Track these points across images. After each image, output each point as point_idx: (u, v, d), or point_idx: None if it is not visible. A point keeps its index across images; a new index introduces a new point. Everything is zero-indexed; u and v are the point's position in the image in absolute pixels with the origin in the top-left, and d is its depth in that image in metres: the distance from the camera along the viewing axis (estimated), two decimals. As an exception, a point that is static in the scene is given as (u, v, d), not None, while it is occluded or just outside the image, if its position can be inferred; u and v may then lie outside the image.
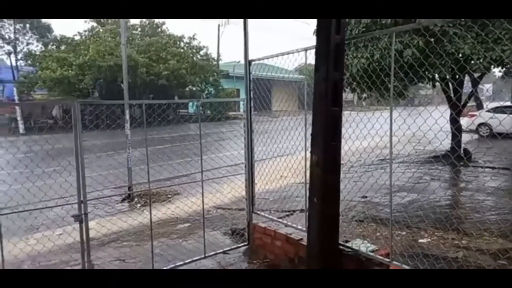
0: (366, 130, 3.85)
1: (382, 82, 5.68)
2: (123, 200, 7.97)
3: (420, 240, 5.01)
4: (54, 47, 29.70)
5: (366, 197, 7.05)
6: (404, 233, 5.26)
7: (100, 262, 4.48)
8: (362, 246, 3.58)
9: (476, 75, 9.84)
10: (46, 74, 24.92)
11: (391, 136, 3.23)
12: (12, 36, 31.16)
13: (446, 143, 10.32)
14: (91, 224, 4.72)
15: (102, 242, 5.44)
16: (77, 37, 29.31)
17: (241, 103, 5.32)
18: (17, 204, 3.63)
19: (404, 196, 7.19)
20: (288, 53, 4.29)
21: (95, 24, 29.93)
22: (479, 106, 20.60)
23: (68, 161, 3.95)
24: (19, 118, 23.78)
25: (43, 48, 30.57)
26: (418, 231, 5.30)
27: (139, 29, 31.34)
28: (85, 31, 29.72)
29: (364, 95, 10.53)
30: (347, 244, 3.65)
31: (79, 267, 3.87)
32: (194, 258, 4.52)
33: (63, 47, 28.81)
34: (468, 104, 13.80)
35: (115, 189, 8.16)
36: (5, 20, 28.70)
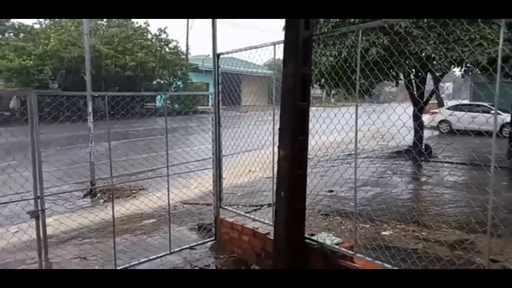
0: (332, 125, 3.90)
1: (348, 79, 5.78)
2: (85, 195, 7.67)
3: (383, 233, 5.17)
4: (11, 35, 28.04)
5: (332, 191, 7.18)
6: (368, 226, 5.40)
7: (59, 260, 4.29)
8: (327, 239, 3.63)
9: (437, 74, 10.24)
10: (2, 63, 23.54)
11: (356, 131, 3.28)
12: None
13: (408, 139, 10.69)
14: (50, 220, 4.52)
15: (61, 239, 5.21)
16: (37, 26, 27.86)
17: (210, 97, 5.23)
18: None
19: (368, 190, 7.39)
20: (256, 47, 4.26)
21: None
22: (440, 104, 21.53)
23: (23, 155, 3.73)
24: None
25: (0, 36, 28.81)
26: (381, 224, 5.47)
27: (105, 19, 30.18)
28: (45, 19, 28.28)
29: (333, 91, 10.71)
30: (313, 238, 3.69)
31: (35, 266, 3.69)
32: (159, 254, 4.43)
33: (21, 36, 27.27)
34: (430, 102, 14.35)
35: (76, 184, 7.84)
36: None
